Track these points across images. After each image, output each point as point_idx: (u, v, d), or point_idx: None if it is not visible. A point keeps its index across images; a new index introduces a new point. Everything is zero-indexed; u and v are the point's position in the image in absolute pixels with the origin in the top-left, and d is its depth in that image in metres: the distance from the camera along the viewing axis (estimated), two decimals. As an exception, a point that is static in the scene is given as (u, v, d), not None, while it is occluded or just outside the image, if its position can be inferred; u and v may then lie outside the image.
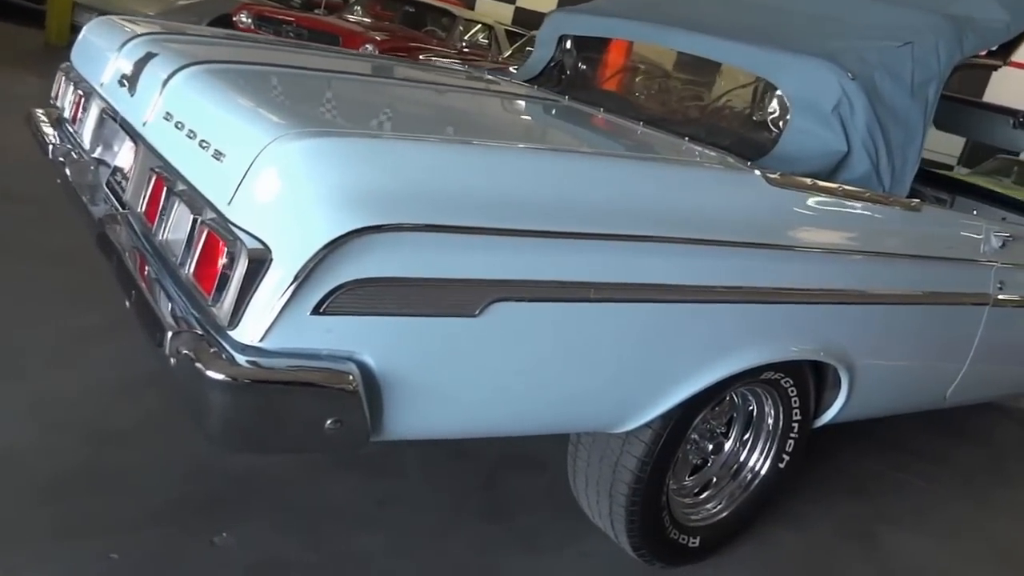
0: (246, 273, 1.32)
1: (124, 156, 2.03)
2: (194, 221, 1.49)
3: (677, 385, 1.90)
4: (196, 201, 1.53)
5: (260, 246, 1.33)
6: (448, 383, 1.57)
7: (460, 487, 2.57)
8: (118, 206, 1.95)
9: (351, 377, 1.40)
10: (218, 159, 1.49)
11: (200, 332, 1.40)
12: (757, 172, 1.96)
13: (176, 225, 1.60)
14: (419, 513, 2.42)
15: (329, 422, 1.41)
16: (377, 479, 2.50)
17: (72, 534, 2.03)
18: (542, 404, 1.75)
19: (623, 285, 1.68)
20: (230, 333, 1.36)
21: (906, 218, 2.32)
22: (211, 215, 1.45)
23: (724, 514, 2.38)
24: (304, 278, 1.31)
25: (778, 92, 2.31)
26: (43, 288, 3.21)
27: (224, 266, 1.36)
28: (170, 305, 1.49)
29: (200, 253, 1.44)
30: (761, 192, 1.94)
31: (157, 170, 1.72)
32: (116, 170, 2.07)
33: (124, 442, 2.41)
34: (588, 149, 1.83)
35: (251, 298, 1.33)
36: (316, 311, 1.35)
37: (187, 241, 1.50)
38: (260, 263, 1.32)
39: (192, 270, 1.46)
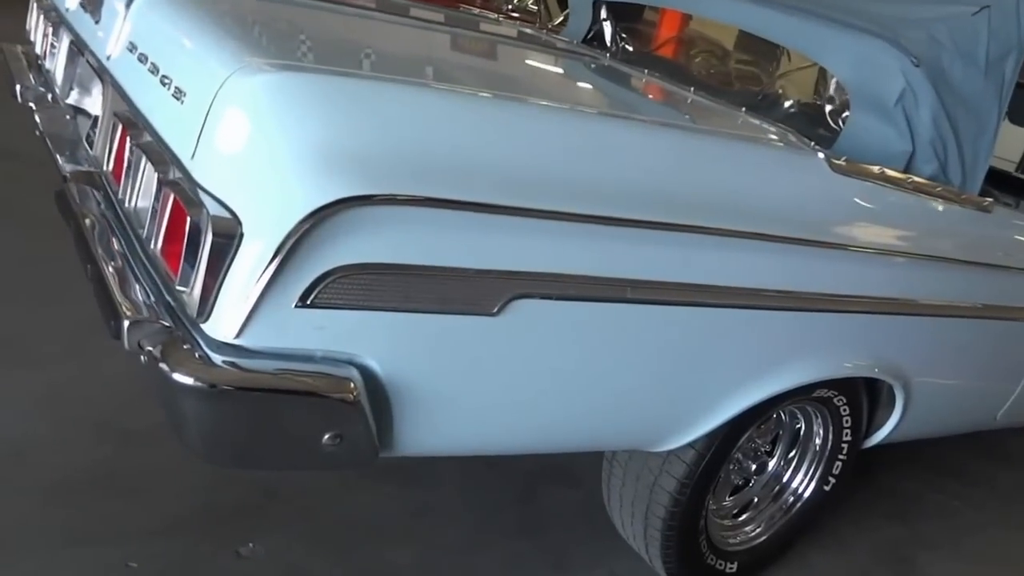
0: (212, 250, 0.99)
1: (96, 100, 1.65)
2: (159, 182, 1.14)
3: (723, 403, 1.56)
4: (160, 155, 1.18)
5: (226, 215, 1.00)
6: (464, 393, 1.25)
7: (494, 499, 2.26)
8: (90, 163, 1.58)
9: (351, 384, 1.09)
10: (179, 99, 1.16)
11: (168, 324, 1.08)
12: (820, 155, 1.57)
13: (144, 187, 1.26)
14: (451, 526, 2.13)
15: (327, 437, 1.09)
16: (412, 488, 2.19)
17: (86, 539, 1.76)
18: (571, 419, 1.43)
19: (666, 285, 1.34)
20: (203, 326, 1.05)
21: (977, 219, 1.91)
22: (176, 174, 1.12)
23: (763, 538, 2.02)
24: (283, 259, 0.99)
25: (834, 78, 1.87)
26: (53, 263, 2.48)
27: (189, 240, 1.03)
28: (136, 288, 1.16)
29: (167, 223, 1.11)
30: (823, 179, 1.55)
31: (122, 116, 1.36)
32: (94, 120, 1.68)
33: (145, 440, 2.11)
34: (635, 116, 1.45)
35: (222, 283, 1.01)
36: (303, 303, 1.04)
37: (153, 207, 1.16)
38: (228, 238, 0.99)
39: (160, 245, 1.13)
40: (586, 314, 1.28)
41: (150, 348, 1.02)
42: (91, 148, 1.62)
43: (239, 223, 0.99)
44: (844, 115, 1.80)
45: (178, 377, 0.99)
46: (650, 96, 1.93)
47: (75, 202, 1.38)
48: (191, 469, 2.03)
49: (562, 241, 1.20)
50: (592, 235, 1.23)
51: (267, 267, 0.99)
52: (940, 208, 1.80)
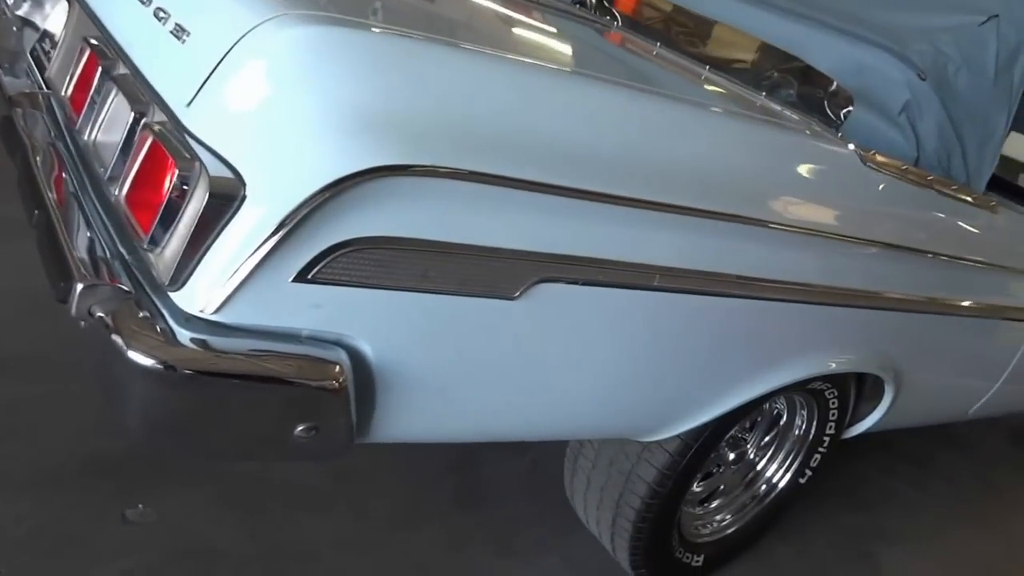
0: (204, 212, 0.85)
1: (56, 17, 1.48)
2: (135, 122, 1.00)
3: (730, 394, 1.49)
4: (140, 94, 1.04)
5: (229, 175, 0.85)
6: (467, 380, 1.13)
7: (431, 466, 2.14)
8: (40, 83, 1.42)
9: (338, 369, 0.95)
10: (179, 38, 1.01)
11: (127, 288, 0.92)
12: (851, 146, 1.52)
13: (110, 123, 1.11)
14: (380, 495, 1.99)
15: (300, 429, 0.96)
16: (336, 447, 2.05)
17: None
18: (578, 409, 1.32)
19: (694, 273, 1.25)
20: (172, 295, 0.89)
21: (984, 220, 1.91)
22: (160, 118, 0.97)
23: (732, 529, 2.00)
24: (291, 229, 0.85)
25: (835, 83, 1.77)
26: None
27: (172, 196, 0.88)
28: (87, 237, 0.99)
29: (139, 170, 0.96)
30: (854, 172, 1.51)
31: (92, 42, 1.21)
32: (45, 35, 1.51)
33: (19, 374, 1.89)
34: (682, 96, 1.36)
35: (208, 249, 0.86)
36: (302, 277, 0.89)
37: (122, 149, 1.02)
38: (227, 200, 0.85)
39: (125, 193, 0.98)
40: (608, 301, 1.16)
41: (102, 315, 0.85)
42: (38, 68, 1.46)
43: (243, 184, 0.84)
44: (846, 109, 1.75)
45: (133, 355, 0.83)
46: (679, 74, 1.78)
47: (25, 132, 1.21)
48: (73, 408, 1.83)
49: (599, 223, 1.10)
50: (630, 219, 1.13)
51: (269, 237, 0.84)
52: (955, 207, 1.79)
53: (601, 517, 1.78)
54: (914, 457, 3.10)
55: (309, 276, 0.90)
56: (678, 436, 1.56)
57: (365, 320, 0.97)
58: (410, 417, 1.13)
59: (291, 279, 0.89)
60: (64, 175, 1.11)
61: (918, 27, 1.78)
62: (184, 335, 0.87)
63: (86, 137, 1.15)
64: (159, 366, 0.84)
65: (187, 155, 0.88)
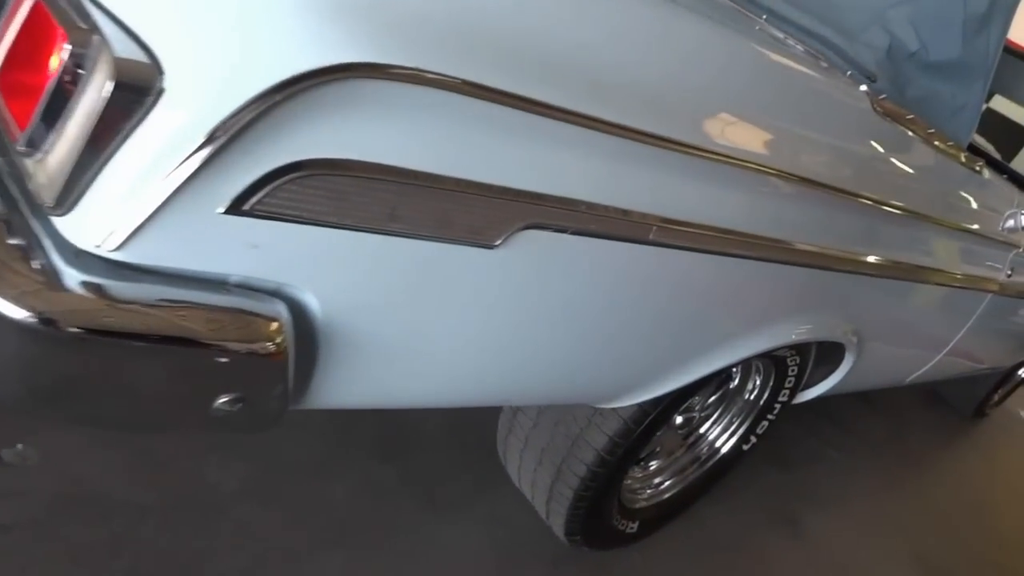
0: (105, 108, 0.62)
1: None
2: None
3: (704, 361, 1.37)
4: None
5: (142, 58, 0.63)
6: (429, 341, 0.94)
7: (353, 411, 1.97)
8: None
9: (275, 328, 0.76)
10: None
11: None
12: (863, 87, 1.39)
13: None
14: (295, 442, 1.82)
15: (223, 401, 0.77)
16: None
17: None
18: (543, 374, 1.16)
19: (694, 226, 1.10)
20: (56, 221, 0.67)
21: (969, 182, 1.83)
22: None
23: (669, 494, 1.92)
24: (225, 142, 0.64)
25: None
26: None
27: (60, 81, 0.65)
28: None
29: (15, 42, 0.71)
30: (864, 118, 1.37)
31: None
32: None
33: None
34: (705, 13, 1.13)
35: (108, 161, 0.64)
36: (236, 208, 0.68)
37: None
38: (137, 93, 0.63)
39: None
40: (597, 255, 0.99)
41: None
42: None
43: (160, 72, 0.62)
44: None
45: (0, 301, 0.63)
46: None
47: None
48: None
49: (601, 159, 0.92)
50: (638, 156, 0.95)
51: (196, 152, 0.63)
52: (945, 166, 1.69)
53: (538, 479, 1.65)
54: (838, 419, 3.14)
55: (246, 207, 0.69)
56: (637, 403, 1.44)
57: (314, 267, 0.77)
58: (359, 383, 0.95)
59: (221, 210, 0.68)
60: None
61: (870, 10, 1.63)
62: (72, 276, 0.65)
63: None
64: (34, 319, 0.63)
65: (82, 24, 0.65)
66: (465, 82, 0.75)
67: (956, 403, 3.86)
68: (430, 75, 0.73)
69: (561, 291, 1.02)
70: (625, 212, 0.99)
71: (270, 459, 1.76)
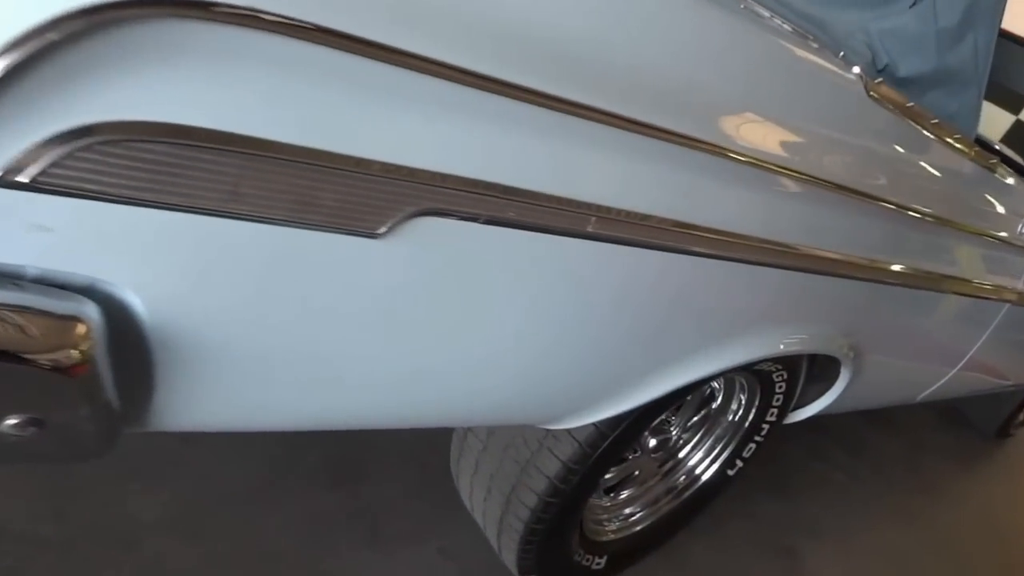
0: None
1: None
2: None
3: (670, 373, 1.22)
4: None
5: None
6: (309, 350, 0.81)
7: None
8: None
9: (82, 332, 0.63)
10: None
11: None
12: (856, 70, 1.26)
13: None
14: (228, 465, 1.69)
15: (9, 424, 0.64)
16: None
17: None
18: (462, 388, 1.01)
19: (645, 219, 0.97)
20: None
21: (980, 180, 1.70)
22: None
23: (641, 526, 1.78)
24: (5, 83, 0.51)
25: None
26: None
27: None
28: None
29: None
30: (855, 103, 1.24)
31: None
32: None
33: None
34: None
35: None
36: (14, 179, 0.56)
37: None
38: None
39: None
40: (519, 249, 0.87)
41: None
42: None
43: None
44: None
45: None
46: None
47: None
48: None
49: (525, 139, 0.79)
50: (567, 129, 0.82)
51: None
52: (956, 159, 1.56)
53: (488, 510, 1.51)
54: (847, 439, 2.98)
55: (30, 178, 0.56)
56: (593, 424, 1.31)
57: (132, 257, 0.64)
58: (224, 400, 0.81)
59: None
60: None
61: (852, 22, 1.52)
62: None
63: None
64: None
65: None
66: (323, 29, 0.62)
67: (978, 422, 3.69)
68: (272, 17, 0.59)
69: (474, 292, 0.88)
70: (554, 199, 0.86)
71: (200, 486, 1.64)
